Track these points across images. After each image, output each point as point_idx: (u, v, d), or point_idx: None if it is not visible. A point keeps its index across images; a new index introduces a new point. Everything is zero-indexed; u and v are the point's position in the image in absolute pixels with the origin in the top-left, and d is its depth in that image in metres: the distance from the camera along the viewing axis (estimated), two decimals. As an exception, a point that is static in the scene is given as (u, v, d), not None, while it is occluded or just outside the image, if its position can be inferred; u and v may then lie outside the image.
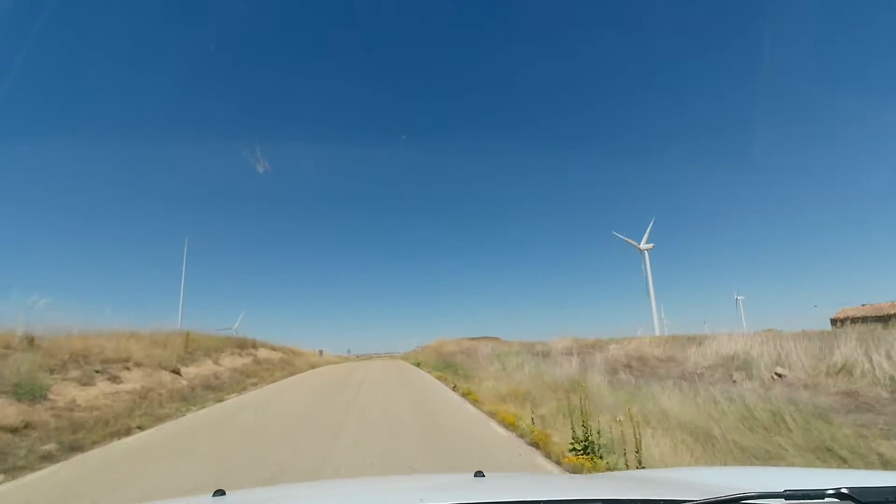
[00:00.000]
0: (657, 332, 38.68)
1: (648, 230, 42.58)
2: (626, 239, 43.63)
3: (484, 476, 1.81)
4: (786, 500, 1.15)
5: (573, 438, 5.55)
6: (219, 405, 11.30)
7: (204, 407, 10.79)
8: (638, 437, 4.51)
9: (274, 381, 18.00)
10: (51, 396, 8.13)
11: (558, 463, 5.25)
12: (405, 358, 49.71)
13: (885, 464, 4.60)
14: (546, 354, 18.43)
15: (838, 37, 65.75)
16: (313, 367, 29.34)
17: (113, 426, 7.51)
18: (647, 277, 41.84)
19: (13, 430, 6.35)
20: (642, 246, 42.50)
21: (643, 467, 4.16)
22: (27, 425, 6.60)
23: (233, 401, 12.19)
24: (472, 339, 56.68)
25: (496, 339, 57.09)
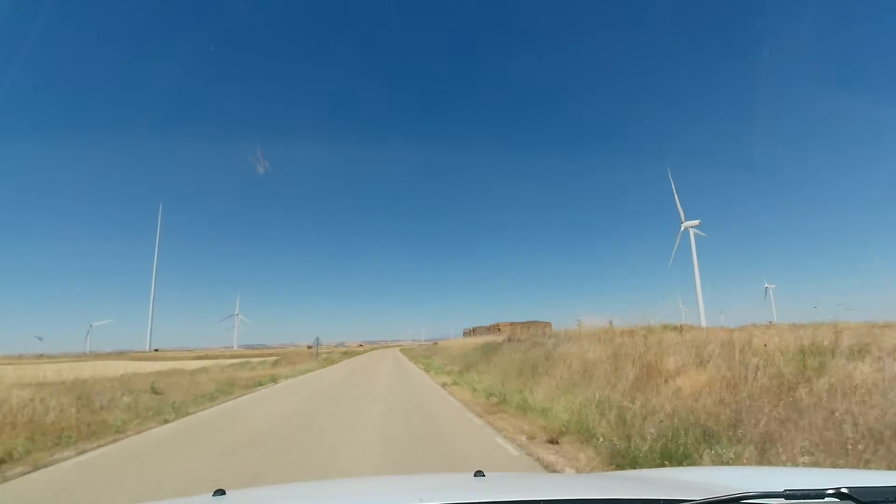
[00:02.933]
0: (703, 321, 32.50)
1: (678, 202, 36.02)
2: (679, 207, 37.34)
3: (484, 476, 1.82)
4: (786, 499, 1.16)
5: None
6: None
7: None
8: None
9: None
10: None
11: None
12: (443, 366, 23.69)
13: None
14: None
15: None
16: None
17: None
18: (692, 260, 35.32)
19: None
20: (685, 224, 36.21)
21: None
22: None
23: None
24: (520, 323, 49.20)
25: (547, 323, 49.02)
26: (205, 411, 11.07)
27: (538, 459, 5.84)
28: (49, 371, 18.68)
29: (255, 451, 6.53)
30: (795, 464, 4.58)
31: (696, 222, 35.81)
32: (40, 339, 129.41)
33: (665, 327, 13.34)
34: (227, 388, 15.33)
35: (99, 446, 7.25)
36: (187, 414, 10.46)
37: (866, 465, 4.35)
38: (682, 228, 36.38)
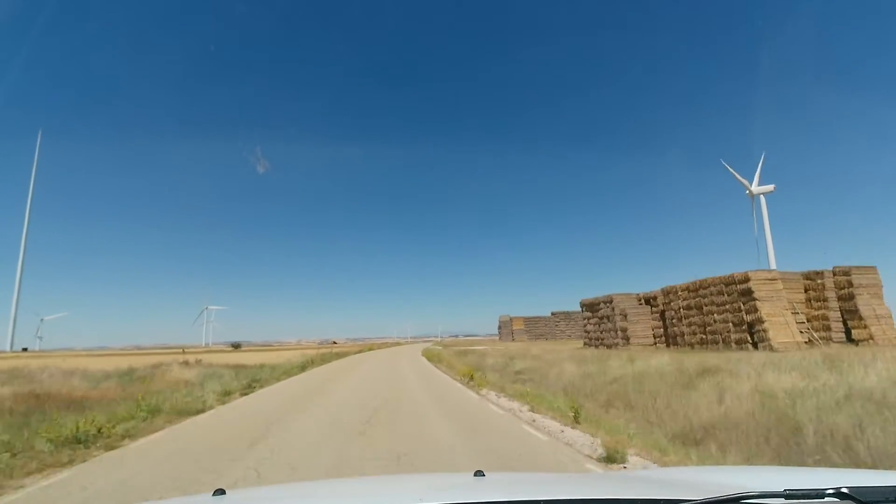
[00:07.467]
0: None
1: (760, 166, 30.19)
2: (735, 174, 31.34)
3: (484, 476, 1.82)
4: (786, 499, 1.16)
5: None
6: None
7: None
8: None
9: None
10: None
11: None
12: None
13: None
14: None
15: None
16: None
17: None
18: (763, 231, 29.48)
19: None
20: (755, 188, 30.38)
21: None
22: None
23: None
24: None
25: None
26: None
27: None
28: None
29: None
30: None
31: (769, 188, 29.96)
32: (41, 338, 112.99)
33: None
34: None
35: None
36: None
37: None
38: (752, 196, 30.34)
